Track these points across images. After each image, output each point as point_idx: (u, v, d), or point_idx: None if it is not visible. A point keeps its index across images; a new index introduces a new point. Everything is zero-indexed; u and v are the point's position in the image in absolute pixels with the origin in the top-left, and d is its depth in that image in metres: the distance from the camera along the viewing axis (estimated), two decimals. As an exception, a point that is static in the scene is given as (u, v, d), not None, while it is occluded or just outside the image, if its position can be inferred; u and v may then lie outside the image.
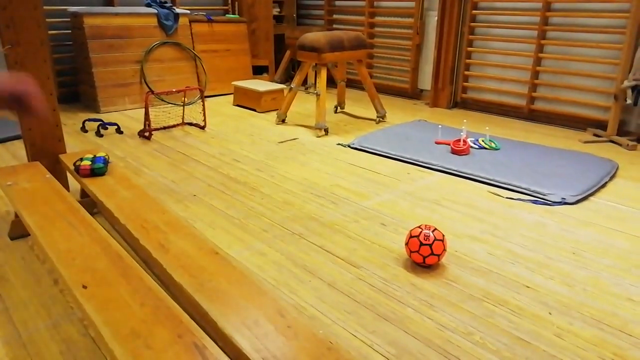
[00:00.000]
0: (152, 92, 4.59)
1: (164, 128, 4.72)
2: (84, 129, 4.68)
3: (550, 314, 2.02)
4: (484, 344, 1.83)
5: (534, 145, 4.18)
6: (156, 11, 5.77)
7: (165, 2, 5.97)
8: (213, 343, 1.39)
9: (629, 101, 4.19)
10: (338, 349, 1.39)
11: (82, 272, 1.72)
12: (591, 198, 3.19)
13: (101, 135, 4.53)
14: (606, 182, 3.41)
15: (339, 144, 4.30)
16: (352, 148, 4.18)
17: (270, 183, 3.43)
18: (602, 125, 4.59)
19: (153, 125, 4.56)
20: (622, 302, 2.10)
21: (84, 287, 1.64)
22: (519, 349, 1.81)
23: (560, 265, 2.40)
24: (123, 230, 2.13)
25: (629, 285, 2.24)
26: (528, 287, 2.21)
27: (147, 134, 4.48)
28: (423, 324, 1.95)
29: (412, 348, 1.81)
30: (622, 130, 4.50)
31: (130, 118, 5.18)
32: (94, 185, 2.54)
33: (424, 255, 2.26)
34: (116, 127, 4.71)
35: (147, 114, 4.43)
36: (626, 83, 4.19)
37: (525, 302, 2.09)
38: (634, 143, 4.20)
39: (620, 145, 4.28)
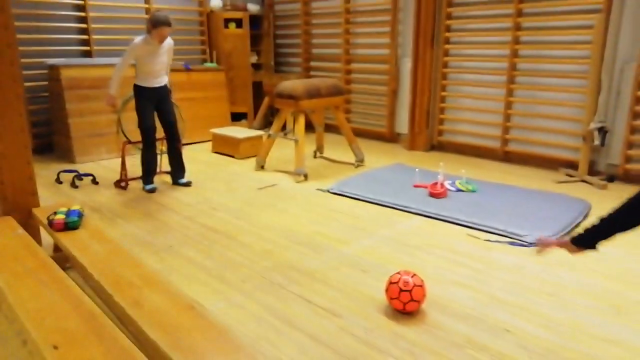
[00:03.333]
0: (130, 141, 4.58)
1: (140, 178, 4.67)
2: (58, 181, 4.61)
3: (530, 358, 2.00)
4: (468, 393, 1.80)
5: (509, 187, 4.26)
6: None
7: (144, 53, 6.05)
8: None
9: (596, 142, 4.34)
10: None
11: (53, 332, 1.66)
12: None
13: (76, 187, 4.46)
14: (580, 222, 3.48)
15: (318, 189, 4.32)
16: (331, 193, 4.20)
17: (249, 231, 3.40)
18: (573, 165, 4.73)
19: (130, 175, 4.52)
20: (599, 344, 2.10)
21: (55, 347, 1.58)
22: (504, 398, 1.78)
23: (539, 307, 2.40)
24: (97, 286, 2.07)
25: (607, 325, 2.24)
26: (508, 331, 2.20)
27: (123, 184, 4.44)
28: (406, 374, 1.91)
29: (396, 401, 1.77)
30: (593, 170, 4.64)
31: (107, 168, 5.13)
32: (67, 240, 2.49)
33: (404, 301, 2.24)
34: (92, 177, 4.66)
35: (123, 163, 4.40)
36: (592, 125, 4.35)
37: (506, 347, 2.08)
38: (605, 182, 4.33)
39: (591, 184, 4.40)
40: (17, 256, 2.26)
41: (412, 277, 2.27)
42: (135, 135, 4.35)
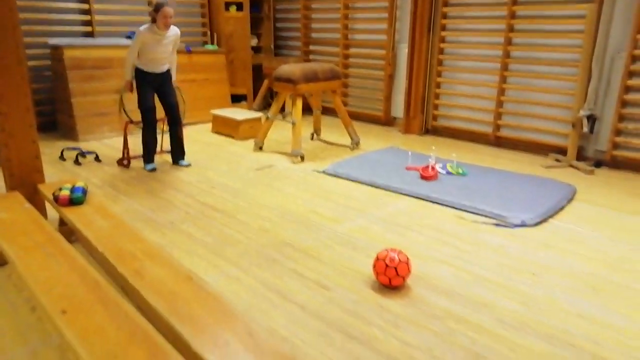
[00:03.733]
0: (132, 121, 4.69)
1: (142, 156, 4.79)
2: (62, 158, 4.73)
3: (505, 330, 2.15)
4: (442, 358, 1.95)
5: (499, 171, 4.39)
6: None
7: (145, 34, 6.11)
8: (186, 362, 1.48)
9: (585, 129, 4.46)
10: (303, 366, 1.50)
11: (61, 299, 1.80)
12: (550, 220, 3.38)
13: (80, 164, 4.59)
14: (564, 206, 3.62)
15: (314, 170, 4.45)
16: (326, 174, 4.33)
17: (247, 210, 3.54)
18: (562, 151, 4.85)
19: (132, 154, 4.64)
20: (573, 319, 2.26)
21: (64, 312, 1.72)
22: (476, 364, 1.94)
23: (519, 285, 2.55)
24: (101, 258, 2.21)
25: (582, 303, 2.39)
26: (487, 305, 2.35)
27: (125, 162, 4.56)
28: (388, 342, 2.06)
29: (377, 365, 1.92)
30: (581, 155, 4.76)
31: (109, 146, 5.25)
32: (73, 215, 2.62)
33: (390, 277, 2.39)
34: (95, 155, 4.78)
35: (126, 142, 4.52)
36: (582, 112, 4.46)
37: (483, 321, 2.23)
38: (592, 168, 4.45)
39: (579, 170, 4.53)
40: (25, 230, 2.39)
41: (398, 254, 2.41)
42: (137, 115, 4.46)
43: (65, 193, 2.75)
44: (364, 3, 6.45)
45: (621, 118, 4.49)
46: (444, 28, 5.63)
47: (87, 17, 5.95)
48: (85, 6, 5.92)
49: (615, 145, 4.56)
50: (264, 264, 2.75)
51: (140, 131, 4.40)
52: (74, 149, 4.90)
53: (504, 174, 4.30)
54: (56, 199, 2.74)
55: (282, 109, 6.59)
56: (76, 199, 2.73)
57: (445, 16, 5.59)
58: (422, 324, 2.19)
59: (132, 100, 5.84)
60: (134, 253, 2.20)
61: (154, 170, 4.41)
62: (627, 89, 4.42)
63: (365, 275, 2.63)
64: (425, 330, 2.14)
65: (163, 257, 2.19)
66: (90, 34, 6.02)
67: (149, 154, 4.44)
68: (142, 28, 4.07)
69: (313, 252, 2.91)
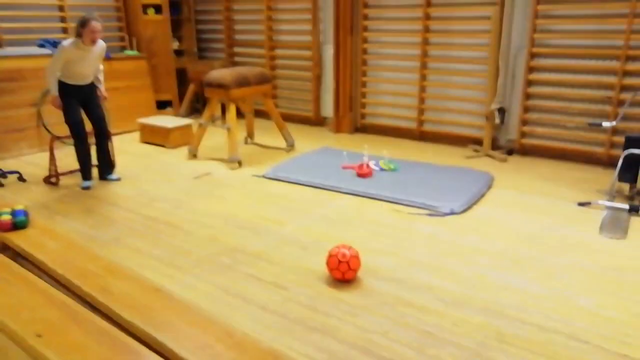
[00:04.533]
0: (58, 137, 4.51)
1: (71, 172, 4.61)
2: (-20, 179, 4.45)
3: (447, 307, 2.45)
4: (398, 339, 2.20)
5: (426, 164, 4.77)
6: (50, 52, 5.64)
7: (60, 42, 5.85)
8: (174, 368, 1.58)
9: (497, 121, 4.97)
10: (281, 357, 1.66)
11: (32, 322, 1.82)
12: (474, 207, 3.77)
13: (2, 185, 4.35)
14: (484, 193, 4.04)
15: (254, 175, 4.56)
16: (266, 178, 4.46)
17: (191, 220, 3.59)
18: (479, 141, 5.35)
19: (59, 170, 4.47)
20: (501, 292, 2.60)
21: (39, 336, 1.74)
22: (426, 340, 2.20)
23: (452, 266, 2.87)
24: (61, 279, 2.21)
25: (506, 277, 2.75)
26: (429, 288, 2.63)
27: (53, 179, 4.39)
28: (347, 330, 2.27)
29: (340, 351, 2.12)
30: (495, 145, 5.29)
31: (31, 164, 4.99)
32: (19, 239, 2.56)
33: (343, 271, 2.60)
34: (18, 174, 4.54)
35: (52, 159, 4.35)
36: (493, 106, 4.96)
37: (428, 301, 2.51)
38: (505, 156, 4.98)
39: (494, 158, 5.03)
40: (-31, 258, 2.32)
41: (349, 249, 2.63)
42: (59, 129, 4.28)
43: (7, 218, 2.67)
44: (286, 5, 6.61)
45: (526, 109, 5.05)
46: (365, 29, 5.94)
47: (-7, 26, 5.59)
48: (-10, 14, 5.56)
49: (523, 134, 5.12)
50: (218, 271, 2.85)
51: (67, 147, 4.23)
52: (-7, 168, 4.62)
53: (430, 166, 4.68)
54: (-4, 225, 2.65)
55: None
56: (20, 223, 2.66)
57: (366, 17, 5.90)
58: (375, 311, 2.42)
59: (51, 113, 5.59)
60: (95, 271, 2.22)
61: (89, 188, 4.27)
62: (529, 83, 4.98)
63: (316, 272, 2.81)
64: (379, 316, 2.37)
65: (124, 271, 2.23)
66: (-4, 44, 5.65)
67: (86, 170, 4.30)
68: (65, 43, 3.90)
69: (263, 255, 3.05)
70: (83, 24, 3.86)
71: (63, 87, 4.06)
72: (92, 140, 4.30)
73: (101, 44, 4.11)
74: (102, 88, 4.36)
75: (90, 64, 4.07)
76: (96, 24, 3.89)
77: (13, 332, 1.77)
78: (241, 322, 2.34)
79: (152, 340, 1.76)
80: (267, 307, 2.47)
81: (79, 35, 3.91)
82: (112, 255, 3.04)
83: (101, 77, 4.36)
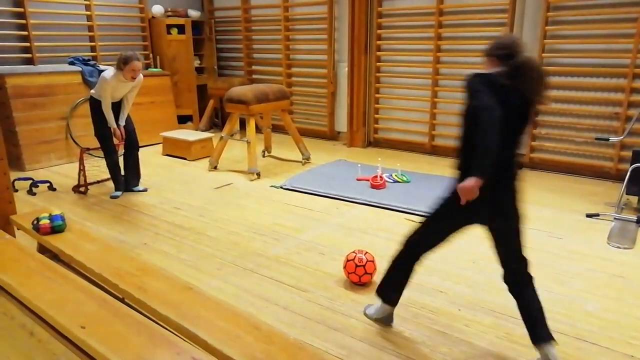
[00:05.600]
0: (87, 149, 4.75)
1: (98, 182, 4.85)
2: (14, 189, 4.69)
3: (459, 310, 2.58)
4: (412, 338, 2.33)
5: (437, 177, 4.91)
6: (80, 69, 5.94)
7: (89, 60, 6.16)
8: (209, 354, 1.74)
9: (507, 136, 5.10)
10: (307, 348, 1.81)
11: (76, 315, 1.98)
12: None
13: (34, 194, 4.58)
14: (495, 204, 4.17)
15: (272, 186, 4.74)
16: (284, 189, 4.64)
17: (214, 226, 3.77)
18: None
19: (88, 180, 4.69)
20: (509, 296, 2.71)
21: (82, 327, 1.91)
22: (439, 339, 2.33)
23: (464, 272, 3.00)
24: (99, 278, 2.39)
25: (516, 282, 2.87)
26: (441, 292, 2.77)
27: (82, 188, 4.62)
28: (365, 329, 2.41)
29: (359, 348, 2.26)
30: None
31: (60, 174, 5.24)
32: (58, 242, 2.75)
33: (360, 275, 2.74)
34: (48, 184, 4.78)
35: (83, 169, 4.58)
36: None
37: (440, 304, 2.64)
38: (515, 169, 5.10)
39: (504, 171, 5.16)
40: (15, 258, 2.51)
41: (365, 254, 2.78)
42: (85, 140, 4.45)
43: (46, 222, 2.87)
44: (303, 25, 6.86)
45: (535, 125, 5.19)
46: (379, 49, 6.16)
47: (26, 44, 5.90)
48: (24, 33, 5.87)
49: (532, 149, 5.25)
50: (242, 274, 3.02)
51: (93, 159, 4.41)
52: (25, 179, 4.86)
53: (442, 179, 4.82)
54: (37, 229, 2.85)
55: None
56: (58, 227, 2.85)
57: (379, 37, 6.12)
58: (390, 312, 2.56)
59: (79, 126, 5.87)
60: (130, 271, 2.40)
61: (117, 197, 4.46)
62: (538, 100, 5.11)
63: (334, 276, 2.96)
64: (395, 317, 2.51)
65: (158, 271, 2.40)
66: (30, 61, 5.96)
67: (117, 180, 4.51)
68: (108, 76, 4.04)
69: (284, 259, 3.21)
70: (125, 61, 4.01)
71: (97, 103, 4.24)
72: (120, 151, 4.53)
73: (139, 78, 4.23)
74: (122, 121, 4.41)
75: (128, 90, 4.29)
76: (137, 64, 4.05)
77: (59, 324, 1.94)
78: (265, 320, 2.48)
79: (186, 332, 1.92)
80: (289, 308, 2.62)
81: (119, 68, 4.06)
82: (141, 259, 3.22)
83: (126, 109, 4.44)
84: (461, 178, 2.01)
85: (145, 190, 4.66)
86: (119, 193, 4.50)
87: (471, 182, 1.88)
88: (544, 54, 4.98)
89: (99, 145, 4.44)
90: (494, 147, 1.81)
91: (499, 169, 1.92)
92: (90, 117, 4.36)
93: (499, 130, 1.81)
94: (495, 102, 1.84)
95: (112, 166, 4.45)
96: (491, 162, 1.83)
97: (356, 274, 2.75)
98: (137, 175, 4.67)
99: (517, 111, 1.94)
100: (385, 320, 2.42)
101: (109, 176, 4.58)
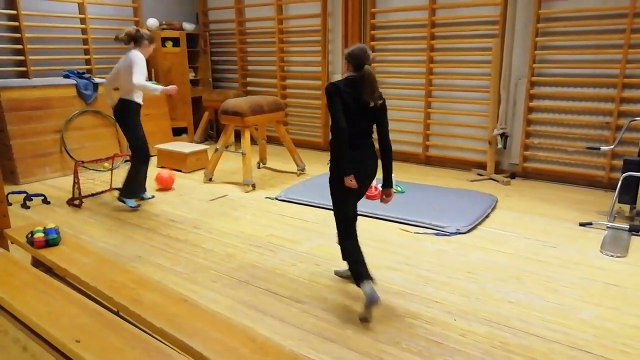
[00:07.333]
0: (82, 162, 4.75)
1: (93, 195, 4.85)
2: (7, 202, 4.67)
3: (455, 320, 2.59)
4: (408, 348, 2.34)
5: (431, 187, 4.94)
6: (75, 82, 5.95)
7: (84, 73, 6.18)
8: (204, 367, 1.74)
9: (499, 146, 5.16)
10: (302, 359, 1.81)
11: (70, 328, 1.98)
12: (479, 227, 3.93)
13: (28, 207, 4.57)
14: (489, 213, 4.20)
15: (267, 197, 4.75)
16: (279, 200, 4.65)
17: (209, 239, 3.77)
18: (483, 166, 5.52)
19: (82, 193, 4.68)
20: (503, 305, 2.74)
21: (77, 341, 1.90)
22: (434, 349, 2.34)
23: (458, 282, 3.01)
24: (94, 291, 2.38)
25: (509, 291, 2.89)
26: (436, 301, 2.78)
27: (77, 202, 4.61)
28: (361, 340, 2.41)
29: (355, 359, 2.26)
30: (498, 169, 5.47)
31: (54, 187, 5.23)
32: (53, 255, 2.74)
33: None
34: (42, 197, 4.77)
35: (77, 182, 4.57)
36: (495, 131, 5.16)
37: (435, 314, 2.65)
38: (508, 179, 5.15)
39: (497, 181, 5.20)
40: (9, 272, 2.50)
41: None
42: (79, 153, 4.44)
43: (40, 236, 2.86)
44: (297, 37, 6.93)
45: (528, 135, 5.24)
46: (372, 60, 6.20)
47: (21, 58, 5.92)
48: (19, 46, 5.89)
49: (525, 159, 5.30)
50: (237, 286, 3.01)
51: (87, 172, 4.37)
52: (20, 192, 4.84)
53: (436, 189, 4.86)
54: (31, 242, 2.84)
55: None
56: (52, 240, 2.85)
57: (373, 49, 6.18)
58: (387, 322, 2.57)
59: (73, 139, 5.86)
60: (125, 283, 2.39)
61: (138, 207, 4.45)
62: (530, 110, 5.18)
63: (330, 287, 2.97)
64: (390, 327, 2.52)
65: (153, 284, 2.40)
66: (25, 75, 5.97)
67: (140, 191, 4.51)
68: (139, 55, 4.05)
69: (279, 271, 3.21)
70: (151, 40, 4.09)
71: (134, 106, 4.20)
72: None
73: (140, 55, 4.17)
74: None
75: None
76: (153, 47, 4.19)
77: (53, 337, 1.94)
78: (261, 333, 2.49)
79: (182, 345, 1.92)
80: (285, 319, 2.62)
81: (139, 45, 4.07)
82: (136, 271, 3.21)
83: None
84: (332, 167, 2.77)
85: (153, 196, 4.70)
86: (139, 203, 4.51)
87: (347, 181, 2.64)
88: (534, 65, 5.05)
89: (97, 158, 4.41)
90: (346, 156, 2.63)
91: (362, 151, 2.74)
92: (122, 126, 4.31)
93: (346, 141, 2.62)
94: (342, 111, 2.57)
95: (142, 176, 4.44)
96: (347, 164, 2.63)
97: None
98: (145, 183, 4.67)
99: (361, 110, 2.67)
100: (370, 297, 2.54)
101: (104, 189, 4.58)
